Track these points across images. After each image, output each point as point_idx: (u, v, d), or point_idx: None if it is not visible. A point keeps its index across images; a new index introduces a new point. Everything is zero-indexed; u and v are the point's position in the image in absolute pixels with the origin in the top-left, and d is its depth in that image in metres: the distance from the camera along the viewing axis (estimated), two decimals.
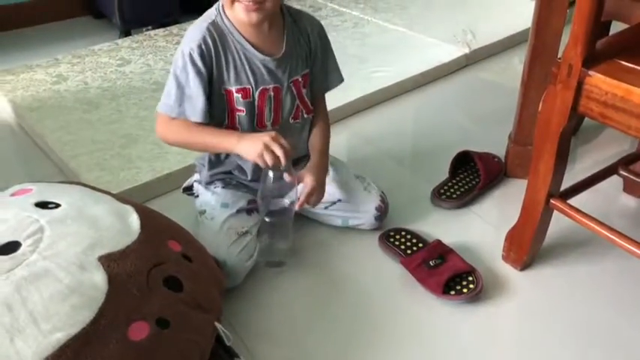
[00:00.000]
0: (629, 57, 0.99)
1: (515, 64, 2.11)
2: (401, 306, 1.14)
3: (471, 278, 1.16)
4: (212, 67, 1.12)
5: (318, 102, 1.28)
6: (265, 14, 1.09)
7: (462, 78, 2.06)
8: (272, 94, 1.17)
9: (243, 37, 1.13)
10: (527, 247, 1.19)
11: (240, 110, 1.16)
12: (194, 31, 1.12)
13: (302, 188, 1.17)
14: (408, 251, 1.23)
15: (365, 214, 1.28)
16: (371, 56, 2.07)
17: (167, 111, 1.14)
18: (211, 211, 1.20)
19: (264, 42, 1.15)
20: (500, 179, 1.49)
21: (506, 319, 1.13)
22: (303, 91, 1.21)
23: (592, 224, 1.10)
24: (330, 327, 1.10)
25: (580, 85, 0.99)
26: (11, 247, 0.83)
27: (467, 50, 2.10)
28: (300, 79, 1.20)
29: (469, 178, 1.46)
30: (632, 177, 1.34)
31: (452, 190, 1.42)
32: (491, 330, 1.10)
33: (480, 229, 1.34)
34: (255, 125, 1.18)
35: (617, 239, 1.06)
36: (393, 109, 1.85)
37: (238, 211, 1.20)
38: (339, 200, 1.28)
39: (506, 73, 2.11)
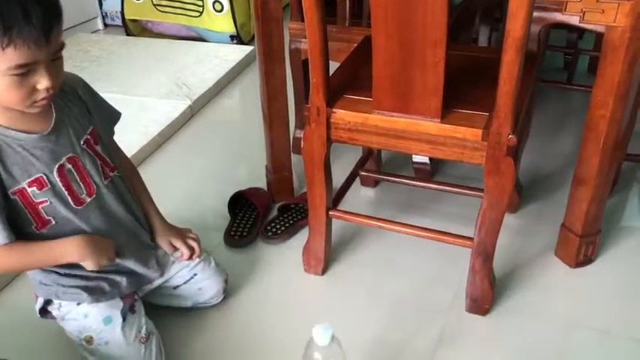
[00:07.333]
0: (352, 91, 1.29)
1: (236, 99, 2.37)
2: None
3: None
4: None
5: (116, 149, 1.26)
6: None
7: (191, 128, 2.21)
8: (69, 166, 1.09)
9: (6, 128, 1.02)
10: (323, 254, 1.45)
11: (42, 202, 1.07)
12: None
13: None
14: None
15: (215, 289, 1.36)
16: None
17: None
18: (100, 335, 1.16)
19: (31, 121, 1.04)
20: (272, 206, 1.72)
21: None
22: (97, 147, 1.16)
23: (358, 219, 1.42)
24: None
25: (329, 120, 1.27)
26: None
27: (189, 102, 2.28)
28: (89, 137, 1.14)
29: (248, 214, 1.66)
30: (365, 174, 1.71)
31: (240, 229, 1.60)
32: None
33: (278, 253, 1.55)
34: (73, 205, 1.10)
35: (372, 222, 1.41)
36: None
37: (124, 318, 1.17)
38: (195, 275, 1.33)
39: (230, 111, 2.36)
